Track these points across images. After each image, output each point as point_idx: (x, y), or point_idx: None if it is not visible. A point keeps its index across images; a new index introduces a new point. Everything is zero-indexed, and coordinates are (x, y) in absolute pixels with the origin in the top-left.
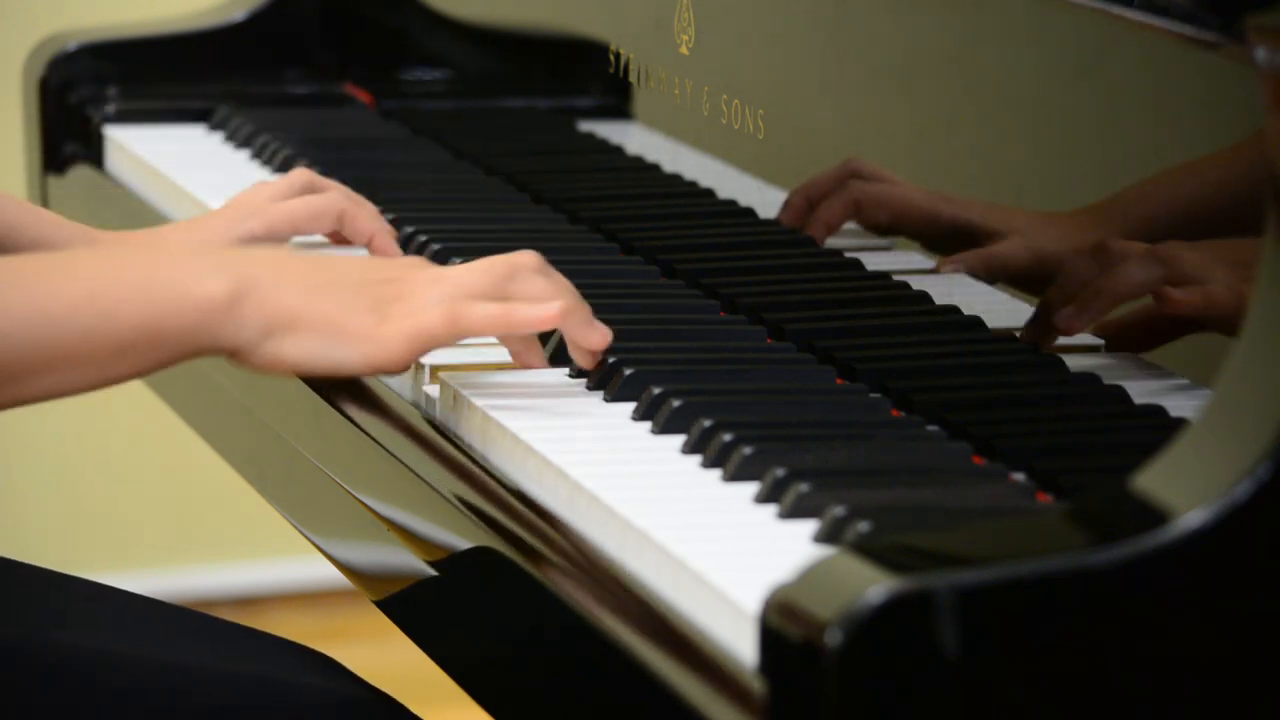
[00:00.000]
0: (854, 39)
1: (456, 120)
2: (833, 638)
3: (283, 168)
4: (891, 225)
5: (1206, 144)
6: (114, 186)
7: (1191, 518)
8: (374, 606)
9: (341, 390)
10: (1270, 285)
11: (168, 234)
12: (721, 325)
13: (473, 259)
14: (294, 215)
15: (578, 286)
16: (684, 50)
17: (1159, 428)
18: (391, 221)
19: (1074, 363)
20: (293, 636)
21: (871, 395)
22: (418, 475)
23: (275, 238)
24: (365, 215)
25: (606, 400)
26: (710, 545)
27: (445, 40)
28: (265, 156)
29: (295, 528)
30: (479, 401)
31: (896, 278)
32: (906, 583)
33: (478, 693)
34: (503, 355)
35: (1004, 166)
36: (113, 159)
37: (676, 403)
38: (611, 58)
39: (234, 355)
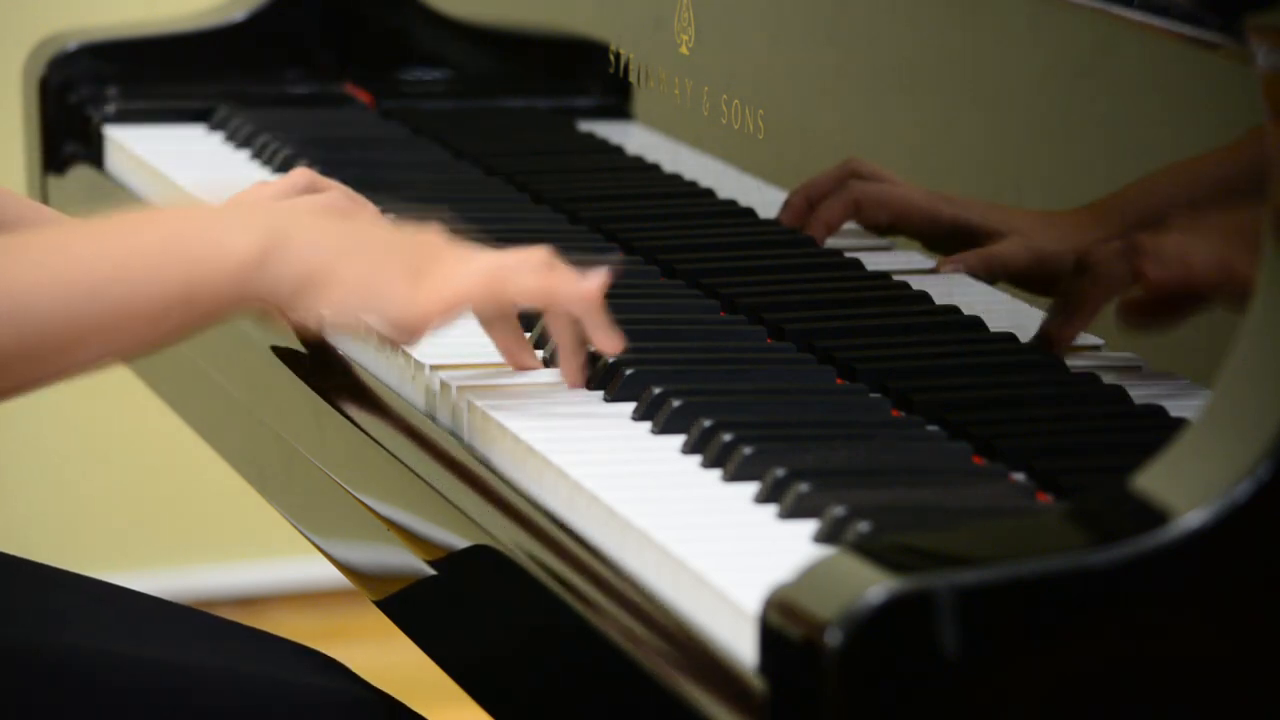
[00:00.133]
0: (854, 39)
1: (456, 120)
2: (833, 638)
3: (283, 168)
4: (891, 225)
5: (1206, 144)
6: (114, 186)
7: (1191, 518)
8: (374, 606)
9: (342, 390)
10: (1270, 285)
11: None
12: (721, 325)
13: None
14: None
15: None
16: (684, 50)
17: (1159, 428)
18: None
19: (1074, 363)
20: (293, 637)
21: (871, 395)
22: (417, 475)
23: None
24: (366, 215)
25: (606, 400)
26: (710, 545)
27: (445, 40)
28: (265, 156)
29: (295, 528)
30: (479, 402)
31: (896, 278)
32: (906, 583)
33: (477, 693)
34: (496, 355)
35: (1004, 166)
36: (113, 159)
37: (676, 403)
38: (611, 58)
39: (266, 311)
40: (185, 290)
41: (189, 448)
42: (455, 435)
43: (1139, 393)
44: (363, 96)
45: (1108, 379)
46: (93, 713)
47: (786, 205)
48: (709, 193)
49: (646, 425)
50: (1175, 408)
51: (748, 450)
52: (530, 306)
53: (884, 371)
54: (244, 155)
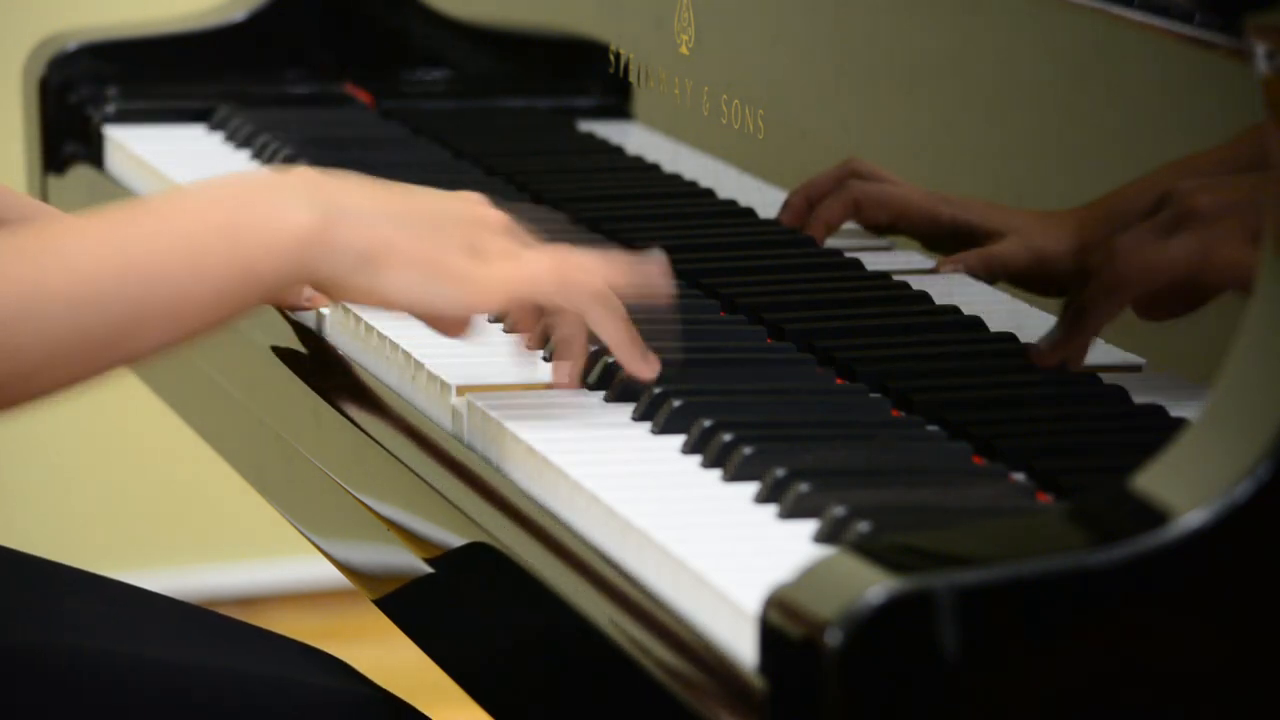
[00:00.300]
0: (854, 39)
1: (456, 120)
2: (833, 637)
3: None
4: (891, 225)
5: (1206, 143)
6: (114, 186)
7: (1191, 518)
8: (374, 606)
9: (341, 390)
10: (1270, 285)
11: None
12: (721, 325)
13: None
14: None
15: None
16: (684, 50)
17: (1159, 428)
18: None
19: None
20: (294, 636)
21: (871, 395)
22: (417, 475)
23: None
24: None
25: (607, 400)
26: (710, 545)
27: (445, 40)
28: (265, 156)
29: (295, 528)
30: (479, 402)
31: (896, 278)
32: (906, 583)
33: (477, 692)
34: (498, 356)
35: (1003, 166)
36: (113, 159)
37: (676, 403)
38: (611, 58)
39: (325, 286)
40: (245, 268)
41: (189, 448)
42: (455, 435)
43: (1139, 393)
44: (363, 96)
45: (1108, 379)
46: (98, 712)
47: (786, 205)
48: (709, 193)
49: (646, 425)
50: (1175, 408)
51: (748, 450)
52: (577, 308)
53: (884, 371)
54: (244, 155)
